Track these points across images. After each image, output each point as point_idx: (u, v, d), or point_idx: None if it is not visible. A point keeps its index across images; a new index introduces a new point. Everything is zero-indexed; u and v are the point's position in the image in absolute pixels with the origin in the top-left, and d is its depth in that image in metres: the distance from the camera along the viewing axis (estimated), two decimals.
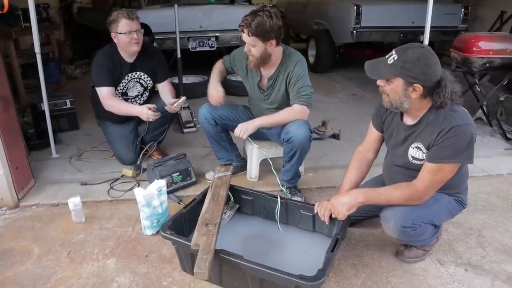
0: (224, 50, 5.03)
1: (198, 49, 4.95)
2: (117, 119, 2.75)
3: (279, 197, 1.99)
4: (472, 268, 1.81)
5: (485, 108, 3.59)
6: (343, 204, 1.68)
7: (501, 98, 3.51)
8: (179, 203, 2.35)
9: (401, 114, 1.73)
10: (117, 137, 2.80)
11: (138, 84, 2.74)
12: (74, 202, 2.15)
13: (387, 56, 1.57)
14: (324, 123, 3.39)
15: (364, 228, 2.10)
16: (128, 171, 2.64)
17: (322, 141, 3.31)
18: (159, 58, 2.78)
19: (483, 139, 3.29)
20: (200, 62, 5.71)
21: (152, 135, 2.89)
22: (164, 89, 2.75)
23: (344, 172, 1.94)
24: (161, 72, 2.78)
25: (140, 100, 2.79)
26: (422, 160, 1.66)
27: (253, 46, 2.11)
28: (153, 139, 2.90)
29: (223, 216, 1.84)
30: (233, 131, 2.26)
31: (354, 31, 5.08)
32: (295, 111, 2.18)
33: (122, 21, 2.45)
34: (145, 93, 2.81)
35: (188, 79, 4.88)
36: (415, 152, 1.69)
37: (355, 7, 5.00)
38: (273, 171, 2.18)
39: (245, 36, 2.10)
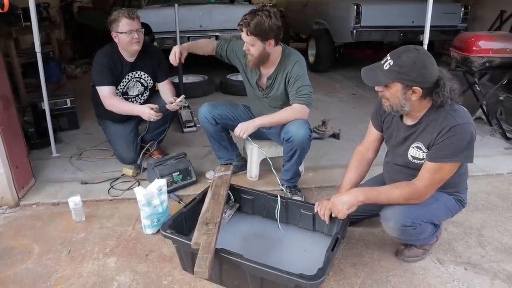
0: None
1: None
2: (117, 118, 2.75)
3: (279, 197, 2.00)
4: (472, 267, 1.82)
5: (484, 108, 3.60)
6: (343, 203, 1.68)
7: (501, 98, 3.51)
8: (179, 202, 2.36)
9: (401, 115, 1.73)
10: (118, 137, 2.81)
11: (139, 84, 2.74)
12: (74, 201, 2.15)
13: (382, 62, 1.57)
14: (324, 123, 3.39)
15: (364, 227, 2.10)
16: (129, 171, 2.65)
17: (322, 140, 3.32)
18: (160, 57, 2.78)
19: (483, 139, 3.29)
20: (200, 62, 5.72)
21: (153, 134, 2.89)
22: (164, 88, 2.75)
23: (344, 172, 1.95)
24: (162, 71, 2.78)
25: (141, 100, 2.79)
26: (423, 159, 1.66)
27: (252, 46, 2.11)
28: (154, 139, 2.90)
29: (223, 215, 1.84)
30: (233, 131, 2.26)
31: (354, 31, 5.08)
32: (295, 111, 2.18)
33: (123, 21, 2.46)
34: (146, 93, 2.81)
35: (188, 79, 4.89)
36: (415, 151, 1.69)
37: (355, 7, 5.00)
38: (273, 170, 2.18)
39: (244, 36, 2.10)
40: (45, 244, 2.00)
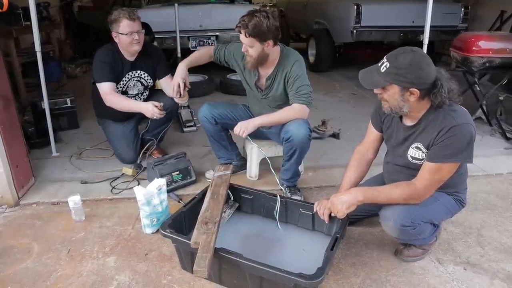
0: None
1: (198, 48, 4.95)
2: (117, 117, 2.75)
3: (278, 196, 2.00)
4: (471, 267, 1.82)
5: (484, 108, 3.60)
6: (343, 202, 1.68)
7: (501, 98, 3.51)
8: (179, 201, 2.36)
9: (400, 116, 1.74)
10: (118, 136, 2.81)
11: (139, 83, 2.74)
12: (74, 200, 2.15)
13: (379, 64, 1.58)
14: (324, 122, 3.39)
15: (364, 227, 2.11)
16: (128, 170, 2.65)
17: (322, 140, 3.32)
18: (159, 56, 2.78)
19: (482, 139, 3.29)
20: None
21: (153, 133, 2.89)
22: (168, 81, 2.73)
23: (343, 171, 1.95)
24: (162, 67, 2.78)
25: (140, 99, 2.79)
26: (422, 159, 1.66)
27: (250, 47, 2.11)
28: (154, 138, 2.90)
29: (222, 215, 1.85)
30: (233, 130, 2.26)
31: (354, 31, 5.08)
32: (295, 110, 2.18)
33: (124, 22, 2.45)
34: (145, 92, 2.81)
35: (188, 78, 4.88)
36: (415, 152, 1.69)
37: (355, 7, 4.99)
38: (272, 170, 2.18)
39: (242, 37, 2.09)
40: (45, 243, 2.01)
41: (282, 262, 1.55)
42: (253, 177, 2.64)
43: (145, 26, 3.68)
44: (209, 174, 2.62)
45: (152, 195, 2.00)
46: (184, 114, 3.71)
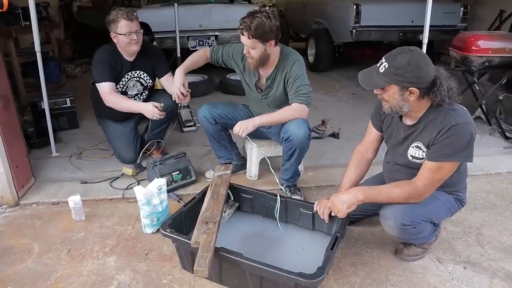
0: None
1: (198, 48, 4.95)
2: (117, 117, 2.75)
3: (278, 196, 2.00)
4: (471, 266, 1.82)
5: (484, 107, 3.60)
6: (343, 202, 1.68)
7: (500, 97, 3.52)
8: (179, 201, 2.36)
9: (400, 115, 1.74)
10: (117, 136, 2.81)
11: (138, 84, 2.74)
12: (74, 200, 2.15)
13: (378, 65, 1.58)
14: (323, 122, 3.39)
15: (364, 226, 2.11)
16: (128, 170, 2.65)
17: (322, 140, 3.32)
18: (158, 55, 2.78)
19: (482, 138, 3.30)
20: None
21: (153, 133, 2.89)
22: (169, 79, 2.73)
23: (343, 171, 1.95)
24: (161, 66, 2.78)
25: (140, 99, 2.79)
26: (422, 159, 1.67)
27: (252, 48, 2.10)
28: (153, 138, 2.90)
29: (223, 215, 1.85)
30: (233, 130, 2.26)
31: (354, 31, 5.09)
32: (295, 110, 2.18)
33: (122, 22, 2.45)
34: (145, 92, 2.81)
35: (188, 78, 4.87)
36: (415, 151, 1.69)
37: (355, 6, 5.00)
38: (271, 170, 2.18)
39: (244, 39, 2.08)
40: (45, 243, 2.01)
41: (283, 261, 1.55)
42: (253, 176, 2.64)
43: (144, 26, 3.69)
44: (209, 174, 2.62)
45: (152, 195, 2.00)
46: (184, 114, 3.71)
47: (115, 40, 2.53)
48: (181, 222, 1.85)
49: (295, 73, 2.18)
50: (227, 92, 4.74)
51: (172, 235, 1.66)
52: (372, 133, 1.93)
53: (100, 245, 1.99)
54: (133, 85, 2.72)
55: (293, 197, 2.29)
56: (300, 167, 2.50)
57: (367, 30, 5.14)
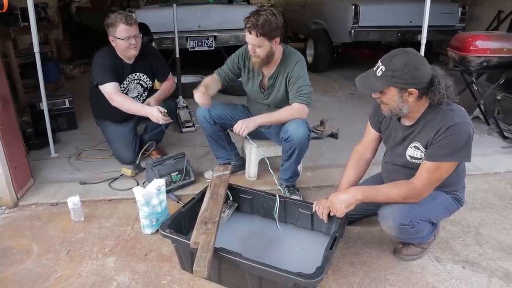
0: (223, 49, 5.04)
1: (196, 48, 4.96)
2: (116, 118, 2.75)
3: (277, 196, 2.00)
4: (470, 266, 1.83)
5: (482, 107, 3.61)
6: (342, 201, 1.69)
7: (498, 97, 3.53)
8: (178, 202, 2.36)
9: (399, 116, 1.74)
10: (116, 137, 2.81)
11: (139, 86, 2.75)
12: (73, 201, 2.15)
13: (374, 68, 1.59)
14: (322, 122, 3.40)
15: (362, 226, 2.11)
16: (127, 171, 2.65)
17: (320, 140, 3.32)
18: (157, 57, 2.78)
19: (480, 138, 3.31)
20: (199, 62, 5.72)
21: (151, 134, 2.90)
22: (164, 85, 2.76)
23: (342, 171, 1.96)
24: (161, 69, 2.79)
25: (140, 100, 2.79)
26: (421, 159, 1.67)
27: (259, 47, 2.10)
28: (152, 138, 2.90)
29: (222, 215, 1.85)
30: (232, 130, 2.26)
31: (352, 31, 5.09)
32: (295, 110, 2.18)
33: (120, 27, 2.45)
34: (144, 94, 2.81)
35: (187, 79, 4.89)
36: (414, 151, 1.70)
37: (353, 7, 5.01)
38: (270, 170, 2.19)
39: (251, 38, 2.08)
40: (44, 244, 2.01)
41: (282, 261, 1.56)
42: (252, 177, 2.64)
43: (143, 26, 3.69)
44: (208, 175, 2.63)
45: (151, 196, 2.00)
46: (183, 114, 3.72)
47: (113, 44, 2.53)
48: (180, 223, 1.85)
49: (297, 73, 2.19)
50: (226, 92, 4.71)
51: (171, 235, 1.66)
52: (371, 133, 1.94)
53: (99, 245, 1.99)
54: (134, 88, 2.73)
55: (292, 197, 2.29)
56: (299, 167, 2.50)
57: (366, 31, 5.15)
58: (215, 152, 2.60)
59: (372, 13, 5.10)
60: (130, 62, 2.63)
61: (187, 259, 1.72)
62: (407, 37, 5.16)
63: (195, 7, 5.01)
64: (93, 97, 2.78)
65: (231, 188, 2.09)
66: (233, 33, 4.91)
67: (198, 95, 2.23)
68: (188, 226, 1.86)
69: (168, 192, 2.31)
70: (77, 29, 7.45)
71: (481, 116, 3.64)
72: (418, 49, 2.78)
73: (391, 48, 1.64)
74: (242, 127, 2.13)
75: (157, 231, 2.00)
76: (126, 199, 2.39)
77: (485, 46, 3.29)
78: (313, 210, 1.85)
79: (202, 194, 1.97)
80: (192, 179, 2.57)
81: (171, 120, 2.49)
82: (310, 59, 6.05)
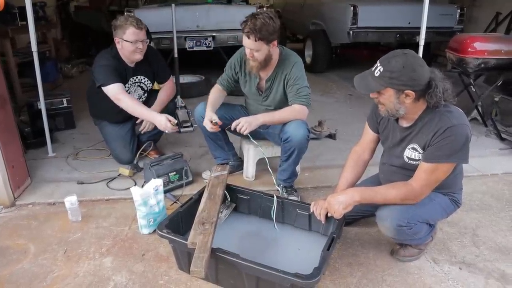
0: (221, 50, 5.04)
1: (195, 48, 4.95)
2: (114, 119, 2.75)
3: (275, 196, 2.00)
4: (466, 267, 1.83)
5: (480, 109, 3.62)
6: (340, 202, 1.69)
7: (496, 99, 3.54)
8: (175, 202, 2.36)
9: (396, 117, 1.75)
10: (114, 137, 2.80)
11: (139, 88, 2.74)
12: (70, 201, 2.15)
13: (373, 69, 1.59)
14: (320, 123, 3.40)
15: (360, 227, 2.11)
16: (125, 170, 2.65)
17: (319, 141, 3.33)
18: (159, 60, 2.77)
19: (478, 139, 3.31)
20: (197, 62, 5.72)
21: (149, 134, 2.89)
22: (163, 87, 2.76)
23: (340, 172, 1.96)
24: (162, 72, 2.79)
25: None
26: (418, 160, 1.67)
27: (257, 51, 2.10)
28: (150, 139, 2.90)
29: (219, 215, 1.85)
30: (230, 131, 2.26)
31: (351, 32, 5.10)
32: (296, 111, 2.19)
33: (130, 29, 2.42)
34: (144, 95, 2.81)
35: (185, 79, 4.88)
36: (411, 153, 1.70)
37: (352, 8, 5.02)
38: (270, 170, 2.19)
39: (250, 42, 2.07)
40: (41, 244, 2.00)
41: (279, 262, 1.56)
42: (249, 177, 2.64)
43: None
44: (206, 175, 2.63)
45: (148, 196, 2.00)
46: (181, 114, 3.69)
47: (118, 46, 2.50)
48: (178, 223, 1.85)
49: (295, 75, 2.19)
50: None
51: (168, 235, 1.66)
52: (369, 134, 1.94)
53: (97, 245, 1.98)
54: (135, 90, 2.72)
55: (290, 197, 2.29)
56: (298, 168, 2.50)
57: (364, 31, 5.16)
58: (213, 152, 2.60)
59: (370, 14, 5.11)
60: (132, 65, 2.62)
61: (184, 259, 1.72)
62: (405, 38, 5.17)
63: (194, 7, 5.01)
64: (91, 97, 2.77)
65: (229, 188, 2.09)
66: (231, 33, 4.91)
67: (210, 128, 2.21)
68: (185, 227, 1.86)
69: (166, 192, 2.31)
70: (75, 29, 7.44)
71: (478, 118, 3.64)
72: (417, 50, 2.81)
73: (389, 49, 1.64)
74: (245, 125, 2.12)
75: (154, 231, 2.00)
76: (124, 199, 2.39)
77: (483, 47, 3.30)
78: (311, 210, 1.85)
79: (200, 194, 1.97)
80: (190, 179, 2.57)
81: (177, 129, 2.46)
82: (308, 59, 6.07)
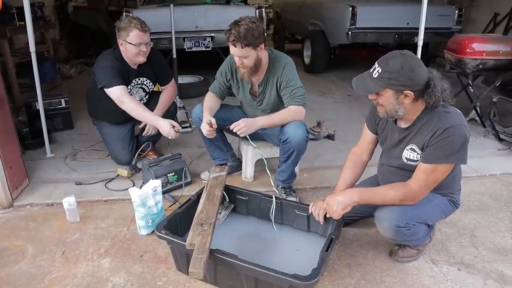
0: (220, 50, 5.04)
1: (193, 49, 4.95)
2: (114, 120, 2.74)
3: (274, 197, 2.00)
4: (465, 267, 1.83)
5: (478, 109, 3.62)
6: (338, 203, 1.69)
7: (494, 99, 3.55)
8: (174, 203, 2.35)
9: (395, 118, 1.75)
10: (114, 138, 2.79)
11: (141, 90, 2.73)
12: (68, 201, 2.14)
13: (371, 70, 1.59)
14: (319, 124, 3.40)
15: (358, 228, 2.11)
16: (124, 171, 2.64)
17: (317, 141, 3.32)
18: (161, 62, 2.77)
19: (476, 140, 3.32)
20: (196, 62, 5.72)
21: (149, 135, 2.88)
22: (165, 90, 2.77)
23: (339, 173, 1.96)
24: (164, 74, 2.78)
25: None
26: (417, 161, 1.67)
27: (245, 58, 2.09)
28: (149, 139, 2.89)
29: (218, 216, 1.85)
30: (228, 131, 2.26)
31: (349, 32, 5.10)
32: (294, 112, 2.19)
33: (134, 32, 2.40)
34: (146, 97, 2.80)
35: (183, 79, 4.88)
36: (410, 153, 1.70)
37: (350, 8, 5.02)
38: (267, 171, 2.19)
39: (237, 50, 2.06)
40: (39, 245, 1.99)
41: (277, 263, 1.56)
42: (248, 178, 2.64)
43: None
44: (205, 175, 2.62)
45: (147, 197, 2.00)
46: (179, 115, 3.69)
47: (122, 48, 2.49)
48: (176, 224, 1.85)
49: (287, 77, 2.19)
50: None
51: (167, 237, 1.65)
52: (367, 135, 1.94)
53: (95, 246, 1.98)
54: (136, 92, 2.71)
55: (288, 198, 2.29)
56: (296, 169, 2.50)
57: (363, 32, 5.16)
58: (211, 153, 2.60)
59: (369, 15, 5.11)
60: (135, 66, 2.60)
61: (182, 260, 1.72)
62: (404, 39, 5.17)
63: (193, 8, 5.00)
64: (92, 97, 2.76)
65: (227, 189, 2.09)
66: None
67: (207, 133, 2.21)
68: (184, 228, 1.85)
69: (164, 193, 2.31)
70: (74, 29, 7.42)
71: (477, 118, 3.65)
72: (415, 51, 2.81)
73: (388, 49, 1.65)
74: (243, 128, 2.12)
75: (153, 232, 2.00)
76: (122, 200, 2.39)
77: (481, 48, 3.31)
78: (309, 211, 1.85)
79: (198, 195, 1.96)
80: (189, 180, 2.56)
81: (179, 135, 2.45)
82: (307, 60, 6.05)
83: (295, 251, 1.88)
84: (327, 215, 1.77)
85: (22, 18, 2.98)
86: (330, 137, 3.39)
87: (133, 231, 2.09)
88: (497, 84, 3.46)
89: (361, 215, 2.04)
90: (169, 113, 2.76)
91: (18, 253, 1.94)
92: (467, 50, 3.32)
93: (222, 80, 2.37)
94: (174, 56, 4.13)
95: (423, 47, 3.01)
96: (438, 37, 5.22)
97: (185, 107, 3.77)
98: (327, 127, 3.43)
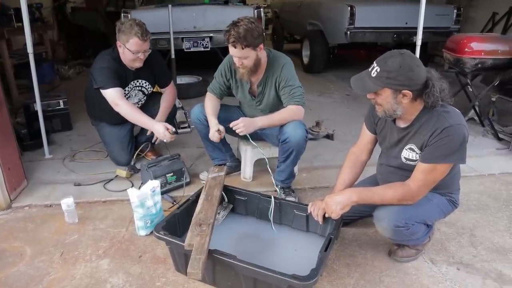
0: (219, 50, 5.03)
1: (192, 49, 4.94)
2: (113, 121, 2.73)
3: (272, 197, 2.00)
4: (464, 267, 1.83)
5: (477, 109, 3.63)
6: (337, 203, 1.69)
7: (493, 99, 3.54)
8: (173, 203, 2.35)
9: (394, 118, 1.74)
10: (113, 139, 2.78)
11: (140, 92, 2.72)
12: (67, 202, 2.14)
13: (370, 69, 1.59)
14: (318, 124, 3.40)
15: (357, 227, 2.11)
16: (122, 172, 2.64)
17: (316, 141, 3.32)
18: (160, 64, 2.76)
19: (475, 139, 3.32)
20: (194, 63, 5.72)
21: (147, 135, 2.88)
22: (165, 93, 2.77)
23: (338, 172, 1.96)
24: (163, 76, 2.78)
25: (138, 105, 2.76)
26: (416, 160, 1.67)
27: (245, 59, 2.09)
28: (148, 140, 2.89)
29: (216, 217, 1.84)
30: (226, 132, 2.25)
31: (348, 32, 5.10)
32: (293, 111, 2.18)
33: (134, 40, 2.38)
34: (144, 99, 2.80)
35: (182, 80, 4.88)
36: (409, 153, 1.70)
37: (349, 8, 5.02)
38: (269, 170, 2.18)
39: (237, 51, 2.06)
40: (38, 246, 1.99)
41: (276, 263, 1.55)
42: (247, 178, 2.63)
43: None
44: (203, 176, 2.62)
45: (146, 197, 1.99)
46: (178, 115, 3.69)
47: (120, 50, 2.48)
48: (175, 224, 1.84)
49: (285, 77, 2.19)
50: None
51: (165, 237, 1.65)
52: (366, 135, 1.94)
53: (93, 247, 1.97)
54: (135, 94, 2.70)
55: (287, 198, 2.29)
56: (295, 169, 2.50)
57: (362, 32, 5.16)
58: (210, 153, 2.60)
59: (368, 14, 5.11)
60: (133, 68, 2.59)
61: (181, 261, 1.71)
62: (402, 39, 5.18)
63: (191, 8, 5.00)
64: (90, 98, 2.75)
65: (226, 189, 2.08)
66: None
67: (217, 140, 2.22)
68: (182, 228, 1.85)
69: (163, 193, 2.30)
70: (72, 30, 7.42)
71: (476, 118, 3.65)
72: (414, 51, 2.81)
73: (387, 49, 1.64)
74: (242, 128, 2.11)
75: (151, 232, 1.99)
76: (121, 201, 2.38)
77: (480, 48, 3.31)
78: (308, 211, 1.85)
79: (197, 195, 1.96)
80: (187, 180, 2.56)
81: (174, 138, 2.45)
82: (306, 60, 6.06)
83: (294, 251, 1.87)
84: (326, 215, 1.77)
85: (20, 19, 2.97)
86: (329, 136, 3.39)
87: (132, 231, 2.09)
88: (495, 84, 3.46)
89: (360, 215, 2.04)
90: (170, 115, 2.75)
91: (16, 254, 1.93)
92: (466, 49, 3.32)
93: (222, 80, 2.37)
94: (173, 56, 4.12)
95: (421, 46, 3.02)
96: (436, 36, 5.22)
97: (184, 108, 3.78)
98: (326, 126, 3.43)
